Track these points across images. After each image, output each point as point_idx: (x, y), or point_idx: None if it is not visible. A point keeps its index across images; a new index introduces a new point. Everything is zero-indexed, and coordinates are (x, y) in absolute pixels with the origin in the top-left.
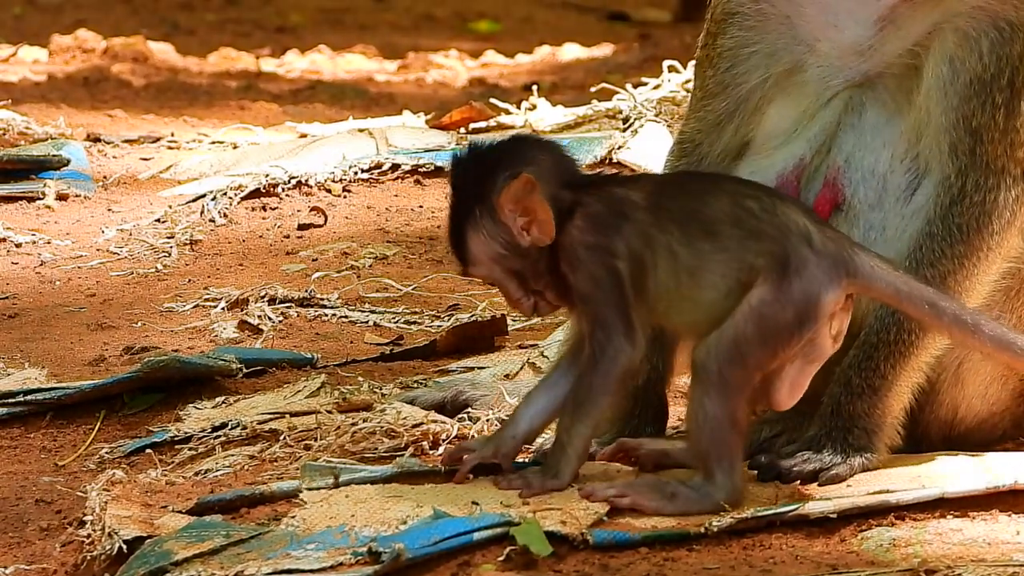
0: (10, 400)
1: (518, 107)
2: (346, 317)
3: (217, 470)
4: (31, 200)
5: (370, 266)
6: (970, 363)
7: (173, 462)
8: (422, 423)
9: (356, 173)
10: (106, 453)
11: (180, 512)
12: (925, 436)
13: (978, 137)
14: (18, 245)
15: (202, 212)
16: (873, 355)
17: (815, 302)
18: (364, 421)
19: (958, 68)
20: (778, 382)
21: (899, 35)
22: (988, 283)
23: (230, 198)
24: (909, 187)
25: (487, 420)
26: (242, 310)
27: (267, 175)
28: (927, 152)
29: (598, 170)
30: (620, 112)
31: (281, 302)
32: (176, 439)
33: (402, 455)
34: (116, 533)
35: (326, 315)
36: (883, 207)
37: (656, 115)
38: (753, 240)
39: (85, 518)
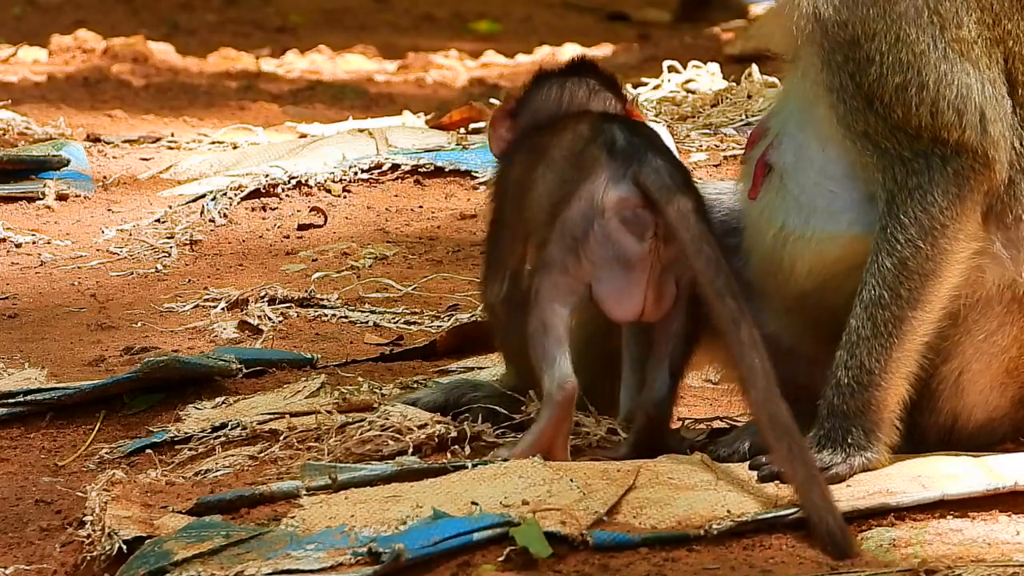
0: (10, 400)
1: None
2: (346, 317)
3: (217, 470)
4: (31, 200)
5: (370, 266)
6: (970, 373)
7: (173, 462)
8: (427, 424)
9: (356, 173)
10: (106, 453)
11: (180, 512)
12: (923, 441)
13: (871, 139)
14: (18, 245)
15: (202, 212)
16: (855, 352)
17: (597, 196)
18: (369, 424)
19: (817, 81)
20: (599, 289)
21: (806, 49)
22: (956, 263)
23: (230, 198)
24: (840, 163)
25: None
26: (242, 310)
27: (267, 175)
28: (851, 148)
29: None
30: None
31: (281, 302)
32: (176, 439)
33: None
34: (116, 533)
35: (326, 315)
36: (811, 179)
37: (656, 115)
38: (572, 158)
39: (85, 518)
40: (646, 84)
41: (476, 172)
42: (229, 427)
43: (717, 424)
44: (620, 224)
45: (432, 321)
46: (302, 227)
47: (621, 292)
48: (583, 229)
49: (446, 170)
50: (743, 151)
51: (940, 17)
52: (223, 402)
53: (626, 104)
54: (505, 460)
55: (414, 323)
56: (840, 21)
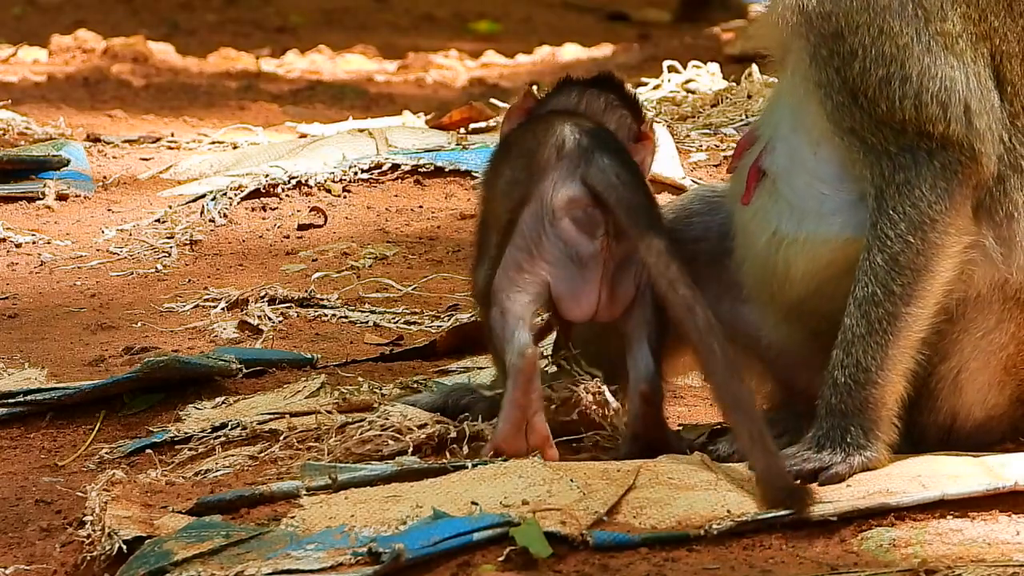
0: (10, 400)
1: None
2: (346, 317)
3: (217, 470)
4: (31, 200)
5: (370, 266)
6: (968, 371)
7: (173, 462)
8: (426, 424)
9: (356, 173)
10: (106, 453)
11: (180, 512)
12: (922, 440)
13: (858, 135)
14: (18, 245)
15: (202, 212)
16: (851, 351)
17: (547, 197)
18: (369, 424)
19: (806, 77)
20: (555, 287)
21: (794, 44)
22: (947, 258)
23: (230, 198)
24: (832, 164)
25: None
26: (242, 310)
27: (267, 175)
28: (840, 144)
29: None
30: None
31: (281, 302)
32: (176, 439)
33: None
34: (116, 533)
35: (326, 315)
36: (802, 182)
37: (656, 115)
38: (526, 159)
39: (85, 518)
40: (646, 84)
41: (476, 172)
42: (229, 427)
43: (717, 425)
44: (571, 224)
45: (432, 321)
46: (302, 227)
47: (575, 291)
48: (536, 230)
49: (446, 170)
50: (731, 159)
51: (924, 10)
52: (223, 402)
53: (642, 125)
54: (498, 455)
55: (414, 323)
56: (824, 13)
